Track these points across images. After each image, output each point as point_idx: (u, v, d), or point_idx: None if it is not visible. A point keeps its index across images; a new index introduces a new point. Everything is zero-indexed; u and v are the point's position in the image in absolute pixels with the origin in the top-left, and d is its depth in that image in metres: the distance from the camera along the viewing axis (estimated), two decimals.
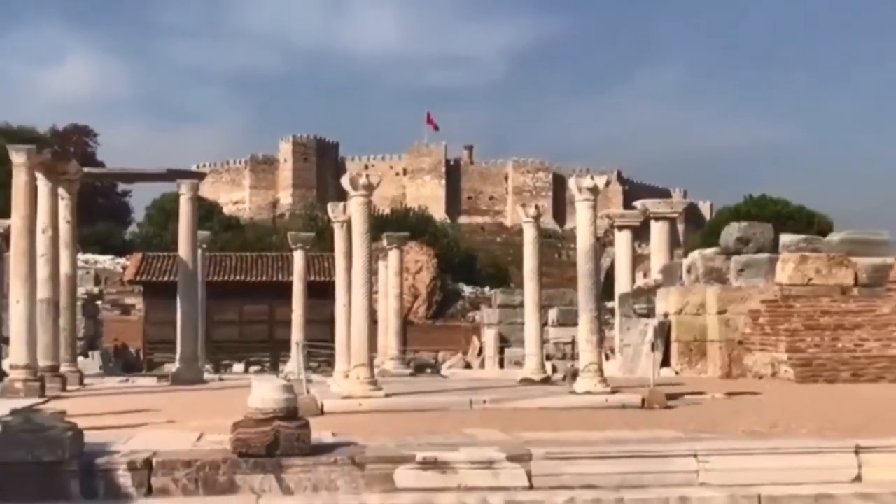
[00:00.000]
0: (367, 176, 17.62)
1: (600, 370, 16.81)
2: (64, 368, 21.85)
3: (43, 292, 20.46)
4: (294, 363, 25.01)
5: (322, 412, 14.30)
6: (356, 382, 16.53)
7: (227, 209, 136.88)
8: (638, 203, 31.05)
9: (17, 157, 19.63)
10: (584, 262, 17.21)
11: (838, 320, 21.62)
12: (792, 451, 10.46)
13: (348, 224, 19.90)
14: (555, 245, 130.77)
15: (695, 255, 25.28)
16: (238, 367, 41.09)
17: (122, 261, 70.91)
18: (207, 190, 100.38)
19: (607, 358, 23.18)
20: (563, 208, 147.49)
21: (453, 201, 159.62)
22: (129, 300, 57.41)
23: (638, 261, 30.76)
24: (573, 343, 26.51)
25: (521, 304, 24.07)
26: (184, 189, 25.71)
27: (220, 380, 26.95)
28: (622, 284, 28.18)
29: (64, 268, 22.56)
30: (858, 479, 10.21)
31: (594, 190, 17.17)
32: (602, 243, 28.47)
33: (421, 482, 9.85)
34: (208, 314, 35.74)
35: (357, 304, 17.14)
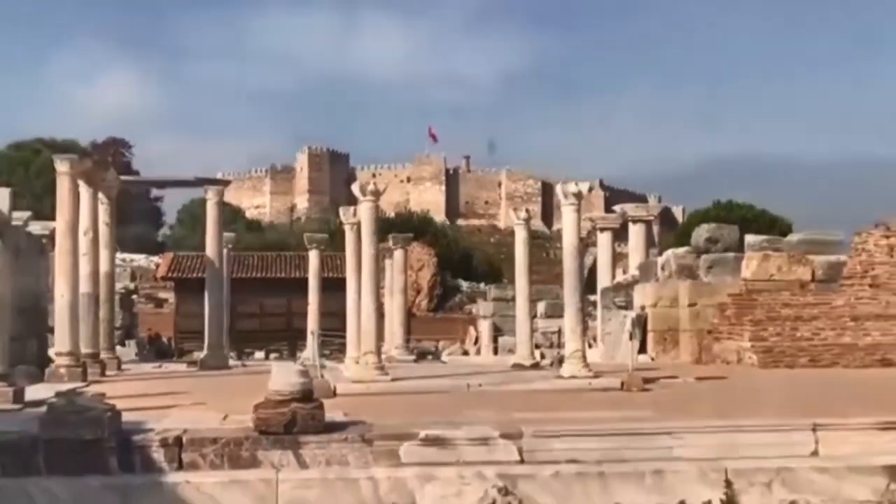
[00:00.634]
0: (375, 183, 17.66)
1: (584, 357, 16.82)
2: (103, 355, 21.84)
3: (84, 287, 20.46)
4: (309, 351, 24.99)
5: (335, 394, 14.30)
6: (365, 368, 16.53)
7: (250, 213, 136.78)
8: (617, 207, 31.05)
9: (62, 166, 19.64)
10: (570, 260, 17.23)
11: (797, 312, 21.61)
12: (756, 429, 10.47)
13: (358, 226, 19.90)
14: (543, 245, 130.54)
15: (668, 253, 25.26)
16: (259, 354, 41.08)
17: (156, 259, 70.72)
18: (231, 196, 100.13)
19: (590, 346, 23.17)
20: (551, 212, 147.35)
21: (452, 206, 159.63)
22: (161, 294, 57.32)
23: (617, 259, 30.73)
24: (559, 333, 26.46)
25: (513, 298, 24.03)
26: (210, 195, 25.70)
27: (244, 366, 26.94)
28: (603, 280, 28.17)
29: (103, 265, 22.56)
30: (815, 453, 10.22)
31: (578, 195, 17.19)
32: (585, 243, 28.44)
33: (423, 457, 9.85)
34: (232, 307, 35.73)
35: (366, 298, 17.14)
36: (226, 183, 28.39)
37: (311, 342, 24.97)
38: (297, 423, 9.96)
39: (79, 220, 20.19)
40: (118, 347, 27.33)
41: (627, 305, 25.02)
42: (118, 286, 31.25)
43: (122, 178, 26.71)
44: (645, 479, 9.62)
